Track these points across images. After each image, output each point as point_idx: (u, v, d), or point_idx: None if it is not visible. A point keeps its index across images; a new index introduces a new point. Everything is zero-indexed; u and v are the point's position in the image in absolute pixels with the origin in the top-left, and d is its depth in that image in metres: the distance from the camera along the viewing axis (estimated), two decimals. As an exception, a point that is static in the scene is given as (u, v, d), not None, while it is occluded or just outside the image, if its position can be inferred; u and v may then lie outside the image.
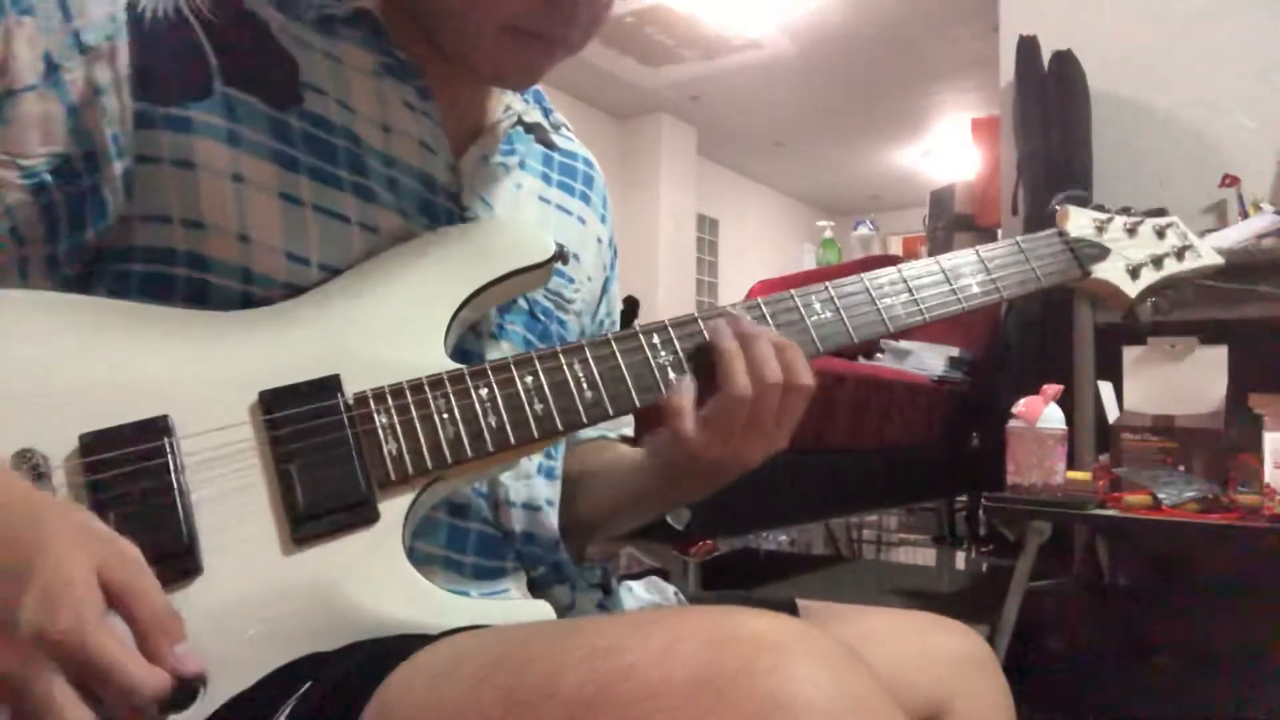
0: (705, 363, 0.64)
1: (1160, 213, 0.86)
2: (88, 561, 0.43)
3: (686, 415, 0.62)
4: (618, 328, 0.90)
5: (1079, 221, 0.81)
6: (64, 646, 0.41)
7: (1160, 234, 0.82)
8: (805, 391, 0.64)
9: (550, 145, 0.81)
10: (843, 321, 0.69)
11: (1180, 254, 0.82)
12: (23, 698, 0.41)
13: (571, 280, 0.78)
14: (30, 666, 0.41)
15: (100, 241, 0.60)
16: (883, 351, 2.92)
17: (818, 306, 0.69)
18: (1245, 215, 2.36)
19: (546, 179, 0.79)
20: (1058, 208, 0.81)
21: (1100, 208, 0.82)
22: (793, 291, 0.69)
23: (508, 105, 0.75)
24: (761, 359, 0.63)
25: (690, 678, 0.41)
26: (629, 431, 0.90)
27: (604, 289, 0.87)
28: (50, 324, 0.55)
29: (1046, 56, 2.65)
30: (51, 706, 0.41)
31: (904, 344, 2.86)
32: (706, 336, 0.65)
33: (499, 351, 0.70)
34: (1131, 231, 0.82)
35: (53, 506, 0.46)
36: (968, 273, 0.74)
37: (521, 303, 0.73)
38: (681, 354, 0.64)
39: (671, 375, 0.64)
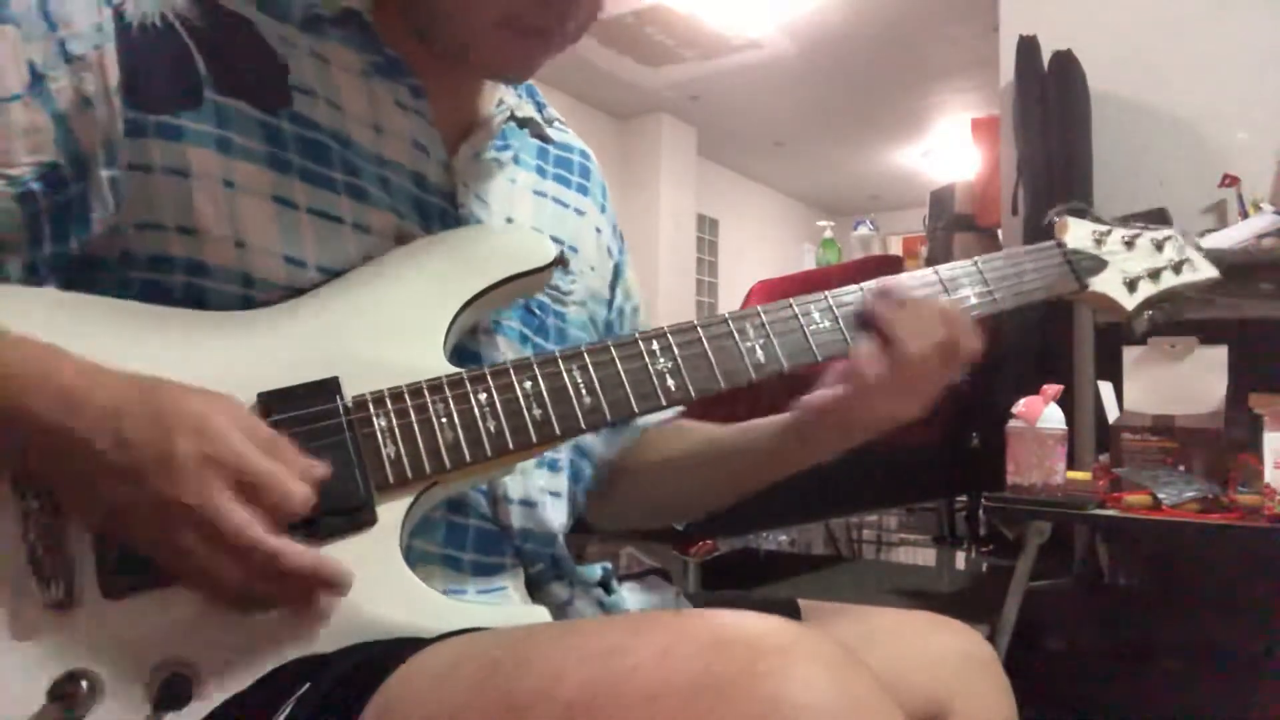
0: (869, 327, 0.69)
1: (1160, 213, 0.86)
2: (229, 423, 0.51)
3: (868, 373, 0.67)
4: (642, 312, 0.90)
5: (1077, 233, 0.81)
6: (223, 462, 0.49)
7: (1158, 247, 0.83)
8: (965, 352, 0.70)
9: (545, 138, 0.81)
10: (841, 331, 0.69)
11: (1177, 267, 0.83)
12: (197, 520, 0.48)
13: (569, 273, 0.78)
14: (202, 487, 0.48)
15: (91, 250, 0.59)
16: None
17: (816, 316, 0.69)
18: (1245, 215, 2.36)
19: (542, 172, 0.79)
20: (1056, 219, 0.81)
21: (1099, 219, 0.82)
22: (792, 300, 0.69)
23: (500, 100, 0.75)
24: (927, 322, 0.68)
25: (690, 681, 0.41)
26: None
27: (616, 275, 0.87)
28: (49, 322, 0.55)
29: (1046, 56, 2.65)
30: (225, 514, 0.48)
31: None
32: (864, 305, 0.69)
33: (495, 348, 0.70)
34: (1129, 244, 0.82)
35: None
36: (965, 283, 0.74)
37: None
38: (845, 319, 0.69)
39: (670, 382, 0.64)
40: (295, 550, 0.50)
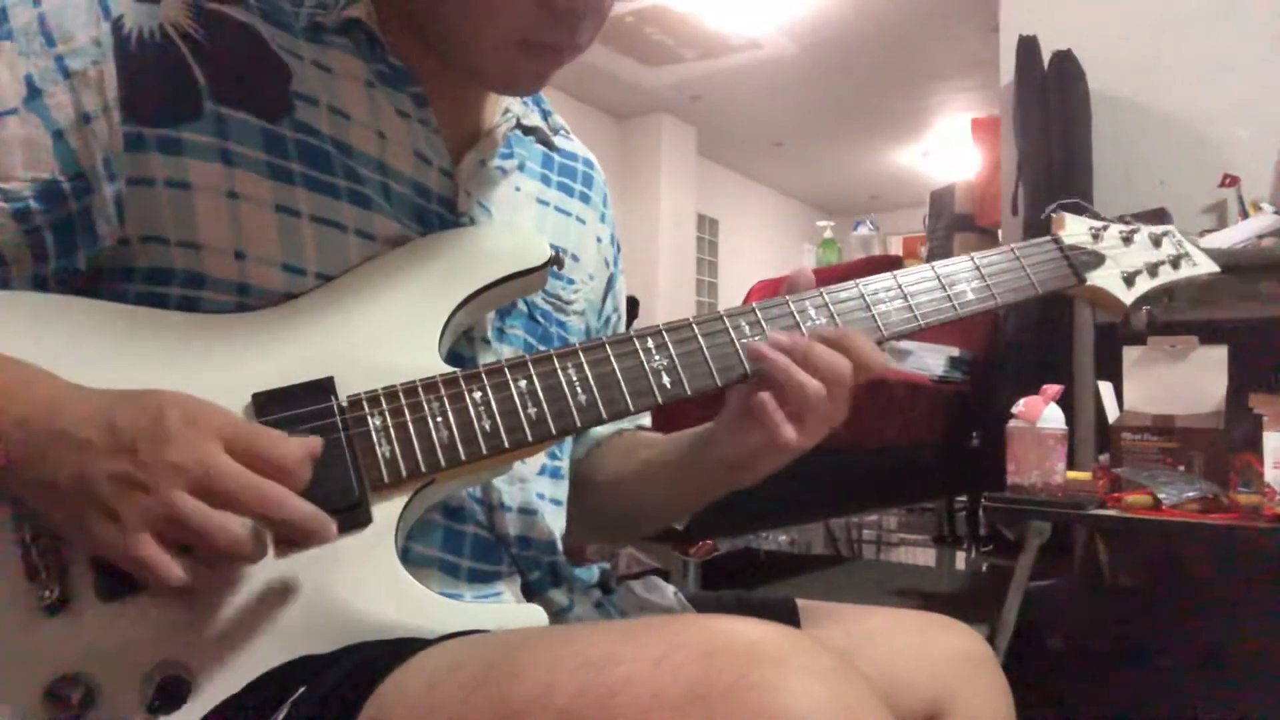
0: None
1: (1160, 213, 0.86)
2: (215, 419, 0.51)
3: (775, 418, 0.63)
4: (624, 323, 0.90)
5: (1075, 229, 0.81)
6: (215, 427, 0.50)
7: (1156, 242, 0.83)
8: (861, 373, 0.65)
9: (550, 146, 0.81)
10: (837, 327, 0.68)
11: (1176, 262, 0.83)
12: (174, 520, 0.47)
13: (571, 281, 0.78)
14: (195, 448, 0.48)
15: (98, 263, 0.60)
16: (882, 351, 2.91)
17: (812, 313, 0.68)
18: (1245, 215, 2.36)
19: (546, 180, 0.79)
20: (1053, 215, 0.81)
21: (1097, 215, 0.82)
22: (788, 297, 0.68)
23: (506, 108, 0.75)
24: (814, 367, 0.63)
25: (683, 692, 0.40)
26: (646, 422, 0.90)
27: (608, 286, 0.87)
28: (46, 326, 0.55)
29: (1046, 56, 2.65)
30: (221, 466, 0.48)
31: (903, 344, 2.85)
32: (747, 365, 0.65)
33: (499, 356, 0.69)
34: (1127, 239, 0.82)
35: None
36: (963, 279, 0.74)
37: (521, 306, 0.73)
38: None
39: (666, 380, 0.63)
40: (293, 498, 0.50)
